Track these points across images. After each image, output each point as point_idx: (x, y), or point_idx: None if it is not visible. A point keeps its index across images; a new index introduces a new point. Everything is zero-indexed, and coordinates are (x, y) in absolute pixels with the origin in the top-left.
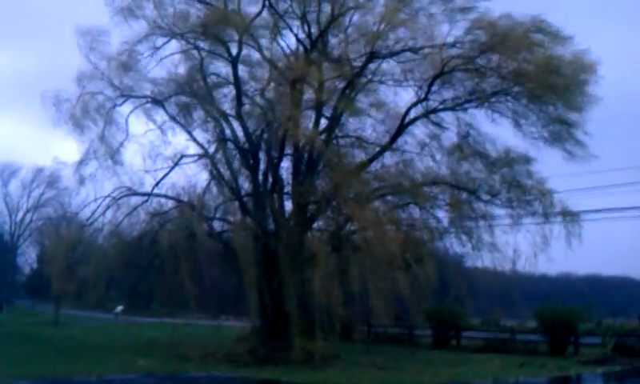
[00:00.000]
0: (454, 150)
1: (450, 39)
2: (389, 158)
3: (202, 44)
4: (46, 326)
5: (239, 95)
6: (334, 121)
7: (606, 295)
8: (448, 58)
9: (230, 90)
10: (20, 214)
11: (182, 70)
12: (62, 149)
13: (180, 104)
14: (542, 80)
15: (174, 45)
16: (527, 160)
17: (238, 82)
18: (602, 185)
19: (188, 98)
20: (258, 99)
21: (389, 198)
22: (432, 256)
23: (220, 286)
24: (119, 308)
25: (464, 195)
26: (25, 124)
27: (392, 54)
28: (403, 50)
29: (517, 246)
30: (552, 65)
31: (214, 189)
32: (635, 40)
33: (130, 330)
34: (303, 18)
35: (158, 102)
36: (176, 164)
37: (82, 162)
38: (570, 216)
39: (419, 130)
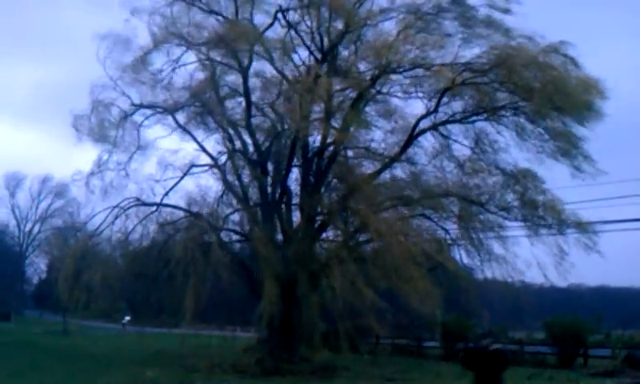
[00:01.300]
0: (464, 162)
1: (462, 56)
2: (399, 170)
3: (214, 55)
4: (54, 336)
5: (249, 106)
6: (344, 132)
7: (616, 306)
8: (458, 72)
9: (240, 101)
10: (29, 225)
11: (195, 80)
12: (80, 159)
13: (191, 114)
14: (550, 97)
15: (188, 55)
16: (537, 175)
17: (248, 93)
18: (610, 196)
19: (199, 108)
20: (268, 110)
21: (398, 209)
22: (442, 267)
23: (227, 296)
24: (127, 318)
25: (474, 207)
26: (44, 135)
27: (403, 70)
28: (414, 67)
29: (527, 259)
30: (561, 83)
31: (224, 199)
32: None
33: (138, 340)
34: (315, 31)
35: (169, 111)
36: (185, 174)
37: (93, 173)
38: (586, 228)
39: (429, 142)
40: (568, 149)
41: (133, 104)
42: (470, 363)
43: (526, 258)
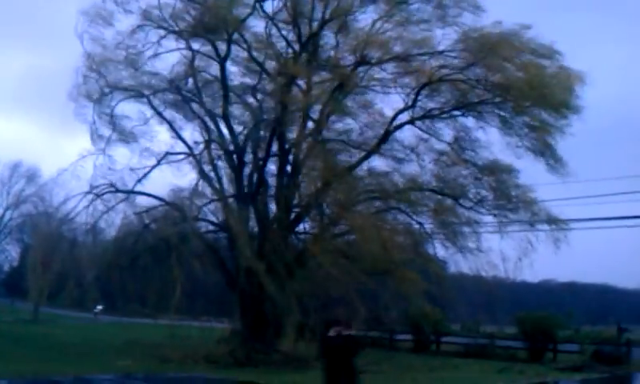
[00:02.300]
0: (440, 156)
1: (440, 48)
2: (376, 163)
3: (192, 42)
4: (25, 324)
5: (226, 95)
6: (321, 123)
7: (585, 303)
8: (437, 67)
9: (218, 90)
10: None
11: (173, 67)
12: (63, 147)
13: (169, 101)
14: (528, 93)
15: (167, 41)
16: (513, 168)
17: (225, 83)
18: (582, 195)
19: (177, 95)
20: (247, 100)
21: (375, 202)
22: (417, 260)
23: (201, 287)
24: (99, 307)
25: (449, 201)
26: (30, 125)
27: (381, 61)
28: (392, 58)
29: (501, 253)
30: (538, 79)
31: (199, 189)
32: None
33: (110, 329)
34: (294, 22)
35: (146, 96)
36: (159, 162)
37: (83, 158)
38: (557, 223)
39: (406, 136)
40: (544, 148)
41: (108, 85)
42: (323, 349)
43: (499, 252)
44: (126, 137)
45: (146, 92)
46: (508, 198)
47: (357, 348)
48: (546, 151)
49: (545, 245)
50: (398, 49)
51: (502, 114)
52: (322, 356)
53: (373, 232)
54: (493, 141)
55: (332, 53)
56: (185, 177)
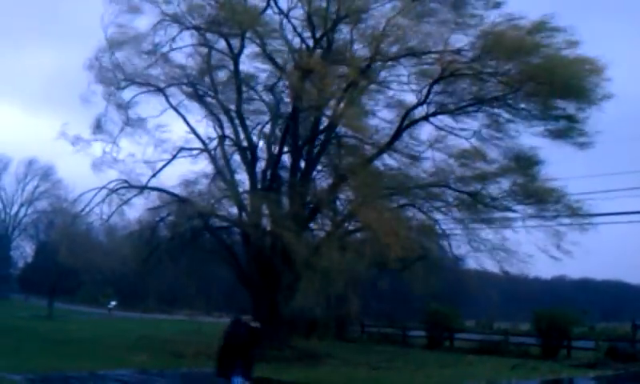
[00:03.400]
0: (458, 151)
1: (454, 44)
2: (392, 159)
3: (208, 38)
4: (39, 320)
5: (240, 92)
6: (336, 119)
7: (599, 299)
8: (450, 61)
9: (232, 86)
10: (14, 208)
11: (189, 62)
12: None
13: (184, 95)
14: (545, 81)
15: (183, 37)
16: (533, 160)
17: (238, 79)
18: (597, 190)
19: (192, 90)
20: (261, 96)
21: (390, 198)
22: (431, 257)
23: (214, 282)
24: (113, 303)
25: (467, 197)
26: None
27: (395, 57)
28: (407, 54)
29: (518, 248)
30: (555, 66)
31: (213, 184)
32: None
33: (124, 325)
34: (308, 19)
35: (161, 90)
36: (174, 157)
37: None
38: (582, 216)
39: (421, 132)
40: (567, 129)
41: (125, 78)
42: (226, 337)
43: (518, 246)
44: (140, 130)
45: (162, 86)
46: (527, 190)
47: (257, 340)
48: (569, 133)
49: (570, 234)
50: (412, 44)
51: (519, 106)
52: (222, 342)
53: (388, 228)
54: (511, 133)
55: (347, 49)
56: (199, 171)
